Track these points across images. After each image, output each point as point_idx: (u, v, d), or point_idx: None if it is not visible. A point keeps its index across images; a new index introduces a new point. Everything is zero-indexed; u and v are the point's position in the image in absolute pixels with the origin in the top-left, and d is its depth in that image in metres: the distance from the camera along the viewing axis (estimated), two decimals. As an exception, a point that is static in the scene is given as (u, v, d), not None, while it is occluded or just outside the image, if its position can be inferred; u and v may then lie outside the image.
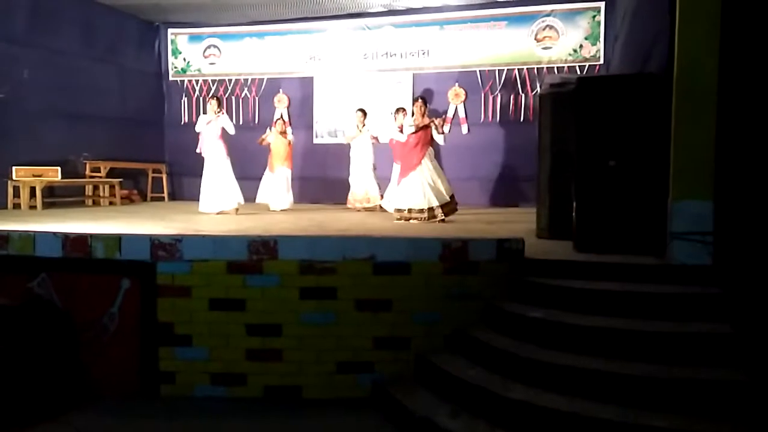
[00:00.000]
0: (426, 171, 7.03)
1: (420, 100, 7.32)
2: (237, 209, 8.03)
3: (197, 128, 8.10)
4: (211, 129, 7.97)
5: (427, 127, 7.13)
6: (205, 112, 8.60)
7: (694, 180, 4.20)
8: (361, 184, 9.14)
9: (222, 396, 4.63)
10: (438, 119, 7.41)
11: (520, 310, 4.19)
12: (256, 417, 4.33)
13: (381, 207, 8.79)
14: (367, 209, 9.01)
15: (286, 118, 11.03)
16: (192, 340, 4.67)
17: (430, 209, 6.95)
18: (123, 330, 4.71)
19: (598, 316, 3.92)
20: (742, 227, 4.00)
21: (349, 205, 9.27)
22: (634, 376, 3.41)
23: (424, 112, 7.22)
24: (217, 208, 7.91)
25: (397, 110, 8.68)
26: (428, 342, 4.52)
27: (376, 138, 9.23)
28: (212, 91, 11.42)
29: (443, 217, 6.95)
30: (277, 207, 8.85)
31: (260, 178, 9.24)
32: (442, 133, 7.34)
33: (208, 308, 4.65)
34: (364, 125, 9.23)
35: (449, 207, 7.09)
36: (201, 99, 11.49)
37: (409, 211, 7.04)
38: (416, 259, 4.60)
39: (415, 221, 6.96)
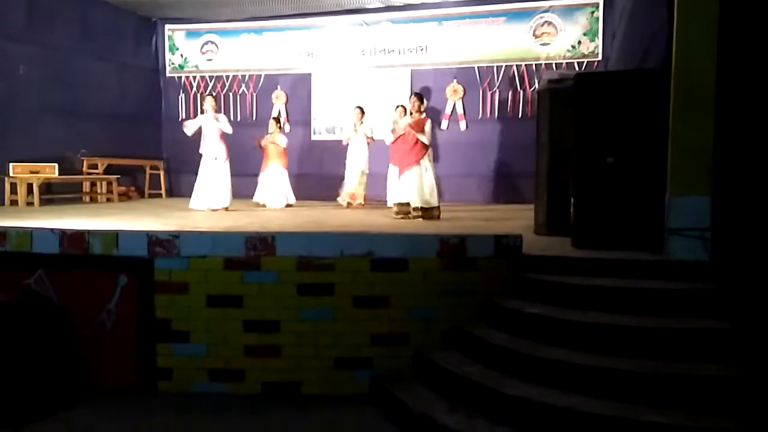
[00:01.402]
0: (424, 170, 7.03)
1: (414, 97, 7.28)
2: (224, 209, 7.96)
3: (199, 126, 8.03)
4: (213, 130, 7.95)
5: (420, 125, 7.08)
6: (202, 110, 8.53)
7: (692, 176, 4.20)
8: (352, 182, 9.12)
9: (220, 392, 4.63)
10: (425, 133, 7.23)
11: (518, 306, 4.19)
12: (255, 413, 4.33)
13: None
14: (351, 206, 9.00)
15: (284, 114, 11.02)
16: (189, 336, 4.66)
17: (420, 208, 6.97)
18: (120, 326, 4.71)
19: (595, 312, 3.92)
20: (739, 223, 3.99)
21: (339, 199, 9.19)
22: (631, 371, 3.41)
23: (419, 109, 7.18)
24: (207, 206, 7.88)
25: (398, 107, 8.67)
26: (426, 338, 4.52)
27: (371, 138, 9.17)
28: (209, 88, 11.40)
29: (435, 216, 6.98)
30: (275, 205, 8.80)
31: (257, 175, 9.21)
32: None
33: (206, 304, 4.65)
34: (361, 123, 9.19)
35: (436, 212, 7.06)
36: (198, 95, 11.46)
37: (407, 205, 7.05)
38: (414, 255, 4.60)
39: (414, 217, 6.97)
